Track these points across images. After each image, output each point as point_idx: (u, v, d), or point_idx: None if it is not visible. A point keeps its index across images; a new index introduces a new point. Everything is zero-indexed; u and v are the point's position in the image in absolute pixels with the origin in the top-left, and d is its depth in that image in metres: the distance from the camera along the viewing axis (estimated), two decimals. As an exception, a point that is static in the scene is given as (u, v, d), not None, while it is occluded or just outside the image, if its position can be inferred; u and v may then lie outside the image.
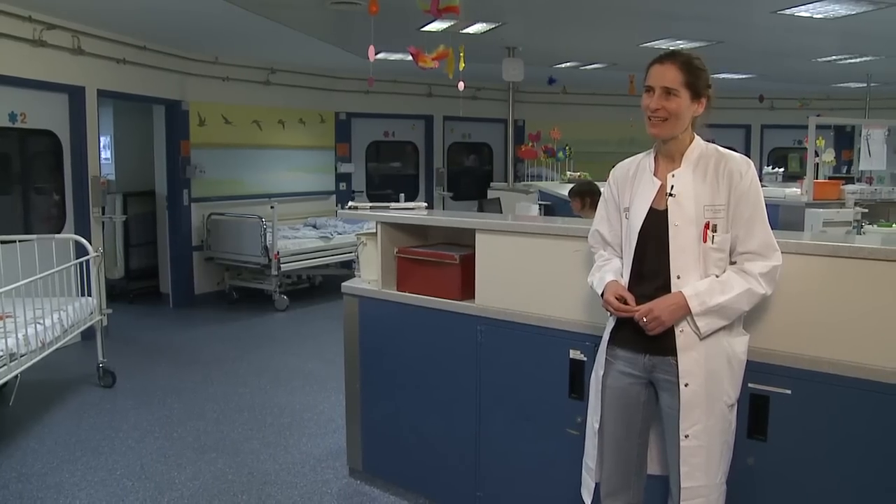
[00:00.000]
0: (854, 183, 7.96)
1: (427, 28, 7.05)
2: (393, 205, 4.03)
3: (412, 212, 3.85)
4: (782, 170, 9.85)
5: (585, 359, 3.08)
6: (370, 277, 3.91)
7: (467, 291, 3.48)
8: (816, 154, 8.41)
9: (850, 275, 2.50)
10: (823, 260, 2.55)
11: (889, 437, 2.44)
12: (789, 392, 2.60)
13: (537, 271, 3.23)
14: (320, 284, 9.46)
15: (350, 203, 4.12)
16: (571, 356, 3.12)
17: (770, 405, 2.63)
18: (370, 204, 4.07)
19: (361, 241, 4.00)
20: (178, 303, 8.68)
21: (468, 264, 3.46)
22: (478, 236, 3.41)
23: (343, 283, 4.03)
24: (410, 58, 5.08)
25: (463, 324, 3.46)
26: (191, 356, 6.67)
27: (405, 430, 3.82)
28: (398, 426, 3.85)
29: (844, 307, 2.51)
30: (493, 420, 3.44)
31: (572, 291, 3.10)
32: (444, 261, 3.54)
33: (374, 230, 3.82)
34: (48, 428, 4.90)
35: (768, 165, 10.98)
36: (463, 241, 3.60)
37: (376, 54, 8.16)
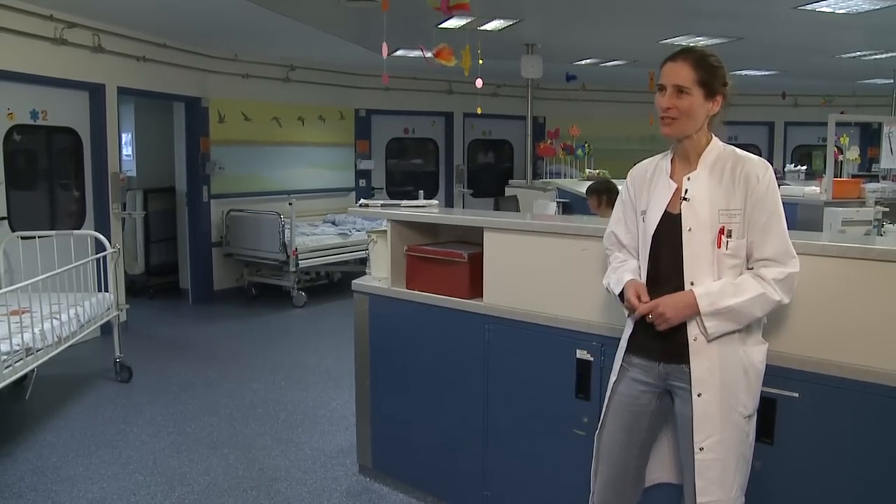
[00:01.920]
0: (879, 181, 7.84)
1: (444, 25, 7.04)
2: (404, 202, 4.02)
3: (422, 210, 3.84)
4: (805, 168, 9.71)
5: (592, 359, 3.06)
6: (380, 275, 3.92)
7: (476, 290, 3.47)
8: (841, 151, 8.30)
9: (860, 276, 2.46)
10: (832, 261, 2.50)
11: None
12: (797, 395, 2.56)
13: (545, 270, 3.22)
14: (339, 281, 9.48)
15: (361, 200, 4.12)
16: (578, 356, 3.10)
17: (777, 408, 2.59)
18: (381, 202, 4.07)
19: (372, 239, 4.00)
20: (197, 298, 8.75)
21: (476, 263, 3.45)
22: (486, 235, 3.39)
23: (353, 281, 4.04)
24: (429, 55, 5.04)
25: (471, 322, 3.45)
26: (208, 352, 6.72)
27: (414, 428, 3.82)
28: (407, 424, 3.85)
29: (852, 309, 2.47)
30: (500, 419, 3.43)
31: (580, 291, 3.08)
32: (452, 259, 3.53)
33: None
34: (64, 421, 4.96)
35: (791, 163, 10.83)
36: (473, 239, 3.59)
37: (395, 51, 8.26)
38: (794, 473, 2.59)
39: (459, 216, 3.76)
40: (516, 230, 3.33)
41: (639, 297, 2.42)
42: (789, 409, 2.58)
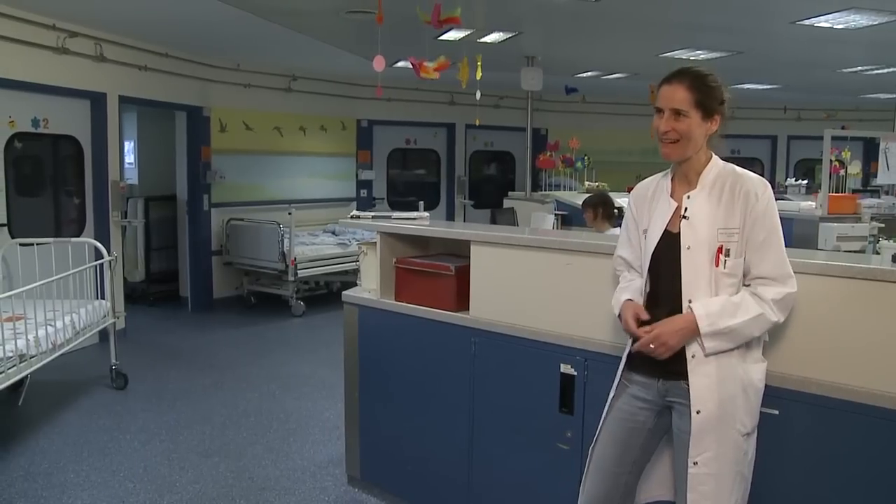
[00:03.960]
0: (879, 196, 7.84)
1: (444, 37, 7.08)
2: (395, 214, 4.04)
3: (411, 222, 3.85)
4: (806, 182, 9.72)
5: (576, 373, 3.07)
6: (370, 287, 3.94)
7: (463, 303, 3.48)
8: (843, 165, 8.30)
9: (840, 295, 2.46)
10: (813, 279, 2.49)
11: (877, 461, 2.39)
12: (777, 412, 2.56)
13: (530, 284, 3.23)
14: (338, 291, 9.46)
15: (353, 212, 4.15)
16: (562, 370, 3.10)
17: (758, 425, 2.59)
18: (372, 213, 4.09)
19: (363, 251, 4.02)
20: (196, 307, 8.78)
21: (464, 276, 3.46)
22: (472, 248, 3.41)
23: (344, 292, 4.07)
24: (417, 67, 5.09)
25: (457, 335, 3.46)
26: (204, 360, 6.75)
27: (401, 440, 3.83)
28: (395, 435, 3.86)
29: (832, 328, 2.46)
30: (485, 432, 3.43)
31: (564, 305, 3.09)
32: (440, 272, 3.54)
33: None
34: (58, 428, 4.98)
35: (793, 177, 10.83)
36: (462, 252, 3.60)
37: (395, 63, 8.29)
38: (773, 490, 2.59)
39: (446, 229, 3.78)
40: (503, 244, 3.34)
41: (638, 320, 2.43)
42: (770, 425, 2.57)
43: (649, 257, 2.46)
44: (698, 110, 2.36)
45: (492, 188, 12.14)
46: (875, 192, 8.30)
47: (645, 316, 2.42)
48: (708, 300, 2.34)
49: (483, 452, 3.44)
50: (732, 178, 2.40)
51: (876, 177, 9.57)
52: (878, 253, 5.28)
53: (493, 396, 3.38)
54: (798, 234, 5.60)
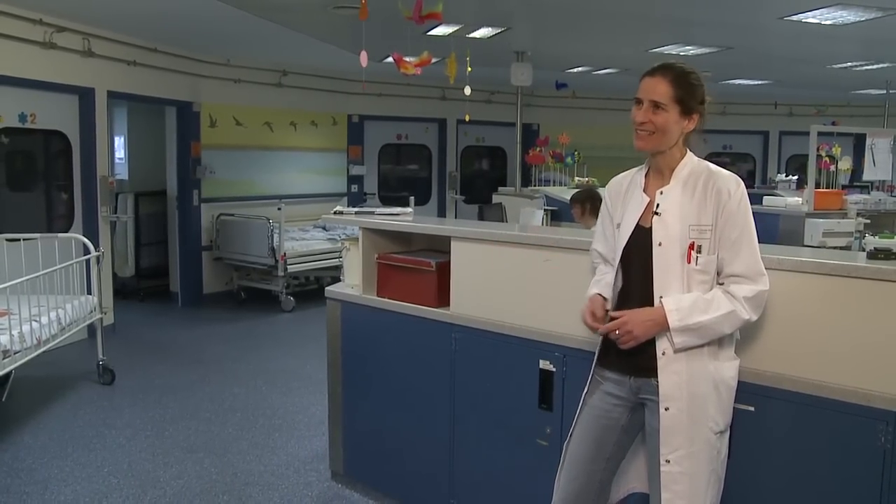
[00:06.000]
0: (870, 191, 7.85)
1: (433, 32, 7.07)
2: (378, 210, 4.05)
3: (393, 218, 3.85)
4: (796, 178, 9.72)
5: (555, 369, 3.07)
6: (353, 282, 3.94)
7: (444, 298, 3.48)
8: (834, 161, 8.31)
9: (814, 291, 2.46)
10: (787, 275, 2.50)
11: (852, 457, 2.40)
12: (752, 409, 2.57)
13: (509, 280, 3.23)
14: (328, 286, 9.47)
15: (336, 208, 4.15)
16: (541, 366, 3.11)
17: (733, 422, 2.60)
18: (355, 209, 4.10)
19: (345, 247, 4.03)
20: (186, 302, 8.77)
21: (445, 271, 3.47)
22: (453, 244, 3.41)
23: (327, 288, 4.08)
24: (398, 62, 5.10)
25: (438, 331, 3.47)
26: (193, 355, 6.74)
27: (384, 435, 3.84)
28: (377, 431, 3.87)
29: (806, 324, 2.47)
30: (466, 428, 3.44)
31: (543, 301, 3.10)
32: (420, 268, 3.55)
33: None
34: (43, 424, 4.98)
35: (784, 173, 10.84)
36: (445, 248, 3.60)
37: (385, 58, 8.27)
38: (749, 487, 2.59)
39: (427, 225, 3.78)
40: (483, 240, 3.34)
41: (594, 315, 2.45)
42: (745, 422, 2.58)
43: (621, 251, 2.45)
44: (677, 106, 2.35)
45: (483, 183, 12.13)
46: (865, 188, 8.31)
47: (601, 313, 2.45)
48: (680, 296, 2.34)
49: (464, 448, 3.45)
50: (706, 175, 2.39)
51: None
52: (863, 249, 5.30)
53: (473, 392, 3.39)
54: (784, 229, 5.59)
